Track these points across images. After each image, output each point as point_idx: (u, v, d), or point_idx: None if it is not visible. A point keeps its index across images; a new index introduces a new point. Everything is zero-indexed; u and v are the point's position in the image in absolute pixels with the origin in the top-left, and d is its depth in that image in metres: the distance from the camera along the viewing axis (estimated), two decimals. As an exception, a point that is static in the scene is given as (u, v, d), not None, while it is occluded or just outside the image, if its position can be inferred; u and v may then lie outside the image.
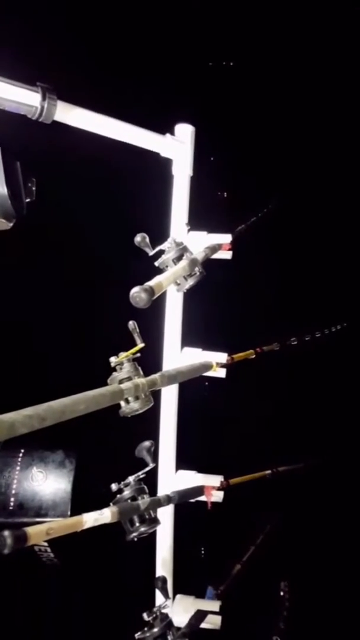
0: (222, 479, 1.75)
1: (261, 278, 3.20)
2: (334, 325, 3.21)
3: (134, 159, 1.62)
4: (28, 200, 1.73)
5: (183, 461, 1.80)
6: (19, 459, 2.31)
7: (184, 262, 1.26)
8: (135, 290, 1.01)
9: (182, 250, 1.31)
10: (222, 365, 1.74)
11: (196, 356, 1.71)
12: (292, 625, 2.54)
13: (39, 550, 2.45)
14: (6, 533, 0.92)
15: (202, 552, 2.61)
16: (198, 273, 1.33)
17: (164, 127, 1.64)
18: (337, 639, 2.81)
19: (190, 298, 1.70)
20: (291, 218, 3.32)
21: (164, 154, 1.63)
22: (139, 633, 1.39)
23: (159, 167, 1.68)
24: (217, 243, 1.54)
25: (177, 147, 1.67)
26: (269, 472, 2.35)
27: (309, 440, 3.20)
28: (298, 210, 3.34)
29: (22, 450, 2.36)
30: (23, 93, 1.16)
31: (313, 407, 3.34)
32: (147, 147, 1.56)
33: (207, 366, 1.64)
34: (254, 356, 2.14)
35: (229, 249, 1.60)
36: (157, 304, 1.67)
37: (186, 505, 1.74)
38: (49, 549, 2.40)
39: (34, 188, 1.79)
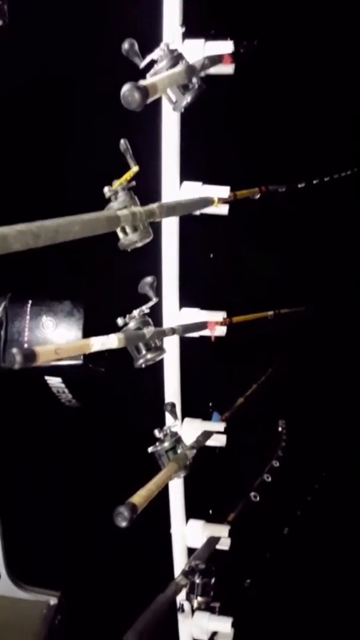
0: (225, 316, 1.79)
1: (268, 111, 2.93)
2: (344, 170, 3.04)
3: None
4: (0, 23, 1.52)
5: (187, 299, 1.82)
6: (28, 309, 2.37)
7: (180, 67, 1.10)
8: (127, 88, 0.88)
9: (177, 58, 1.14)
10: (224, 201, 1.67)
11: (196, 191, 1.63)
12: (286, 463, 2.77)
13: (58, 392, 2.64)
14: (15, 350, 0.94)
15: (208, 386, 2.79)
16: (196, 86, 1.17)
17: None
18: (328, 469, 3.17)
19: (189, 126, 1.56)
20: (303, 47, 2.94)
21: None
22: (151, 447, 1.54)
23: None
24: (217, 54, 1.36)
25: None
26: (271, 313, 2.40)
27: (312, 286, 3.24)
28: (313, 38, 2.93)
29: (30, 301, 2.41)
30: None
31: (316, 253, 3.32)
32: None
33: (208, 201, 1.57)
34: (258, 195, 2.04)
35: (231, 62, 1.42)
36: (152, 129, 1.55)
37: (192, 342, 1.80)
38: (67, 390, 2.58)
39: (5, 6, 1.57)
